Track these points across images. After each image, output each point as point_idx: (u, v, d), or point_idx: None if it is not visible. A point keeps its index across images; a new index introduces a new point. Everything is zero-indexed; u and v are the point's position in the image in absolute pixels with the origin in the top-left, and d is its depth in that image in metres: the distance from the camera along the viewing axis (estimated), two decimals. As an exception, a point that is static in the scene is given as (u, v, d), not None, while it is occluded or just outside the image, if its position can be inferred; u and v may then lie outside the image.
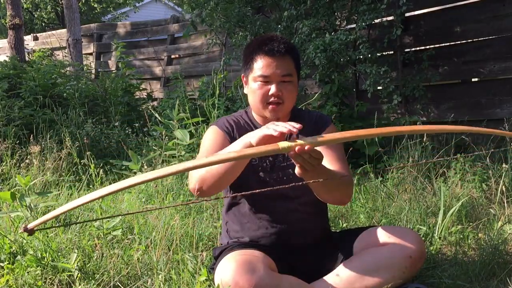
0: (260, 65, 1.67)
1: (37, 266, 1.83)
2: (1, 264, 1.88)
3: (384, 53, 4.20)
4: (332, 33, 3.85)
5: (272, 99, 1.67)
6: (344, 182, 1.62)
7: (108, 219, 2.16)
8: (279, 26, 4.10)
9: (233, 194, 1.66)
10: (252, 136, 1.43)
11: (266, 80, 1.67)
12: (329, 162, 1.68)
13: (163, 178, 2.88)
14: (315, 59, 3.69)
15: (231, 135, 1.74)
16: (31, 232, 1.28)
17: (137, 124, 4.60)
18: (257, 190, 1.33)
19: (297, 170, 1.43)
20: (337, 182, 1.58)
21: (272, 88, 1.66)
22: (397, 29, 3.73)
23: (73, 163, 3.39)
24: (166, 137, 3.40)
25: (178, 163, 1.27)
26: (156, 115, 3.55)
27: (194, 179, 1.59)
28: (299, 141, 1.31)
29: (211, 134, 1.76)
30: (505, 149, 3.02)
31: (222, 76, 4.90)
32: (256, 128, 1.76)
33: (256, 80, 1.68)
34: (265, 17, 4.63)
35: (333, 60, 3.80)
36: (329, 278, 1.64)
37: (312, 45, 3.71)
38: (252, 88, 1.70)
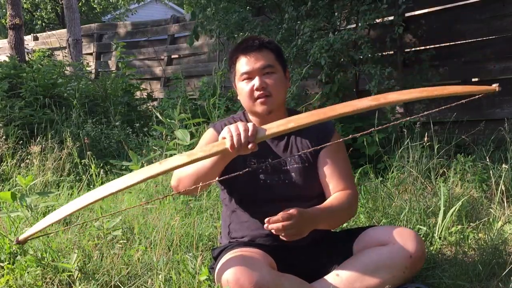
0: (240, 64, 1.72)
1: (37, 266, 1.83)
2: (1, 264, 1.89)
3: (384, 53, 4.20)
4: (336, 33, 3.85)
5: (258, 93, 1.69)
6: (349, 207, 1.69)
7: (108, 219, 2.16)
8: (281, 27, 4.10)
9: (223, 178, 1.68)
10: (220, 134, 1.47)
11: (249, 76, 1.70)
12: (333, 177, 1.71)
13: (163, 179, 2.88)
14: (321, 60, 3.69)
15: None
16: (23, 242, 1.33)
17: (137, 124, 4.60)
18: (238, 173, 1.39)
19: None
20: (343, 212, 1.67)
21: (256, 82, 1.69)
22: (399, 28, 3.73)
23: (74, 163, 3.39)
24: (169, 137, 3.40)
25: (128, 175, 1.35)
26: (158, 114, 3.54)
27: (173, 177, 1.67)
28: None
29: (207, 136, 1.80)
30: (505, 149, 3.02)
31: (220, 74, 4.91)
32: None
33: (240, 80, 1.72)
34: (265, 19, 4.63)
35: (335, 60, 3.81)
36: (329, 278, 1.64)
37: (316, 45, 3.71)
38: (240, 89, 1.74)
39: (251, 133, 1.38)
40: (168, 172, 1.36)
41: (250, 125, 1.40)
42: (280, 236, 1.44)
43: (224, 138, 1.40)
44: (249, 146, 1.38)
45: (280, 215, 1.42)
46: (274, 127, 1.39)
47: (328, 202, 1.68)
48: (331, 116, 1.39)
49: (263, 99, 1.69)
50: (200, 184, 1.55)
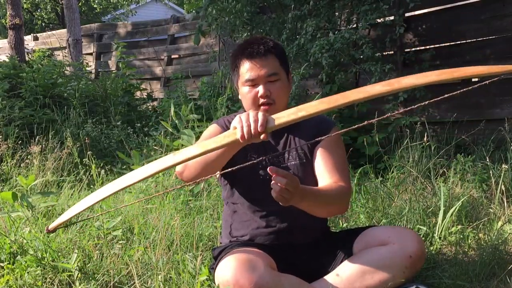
0: (244, 69, 1.71)
1: (37, 266, 1.83)
2: (1, 264, 1.89)
3: (384, 53, 4.20)
4: (336, 33, 3.85)
5: (262, 100, 1.69)
6: (337, 197, 1.63)
7: (108, 220, 2.16)
8: (284, 27, 4.10)
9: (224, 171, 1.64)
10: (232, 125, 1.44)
11: (253, 83, 1.70)
12: (326, 171, 1.70)
13: (163, 179, 2.88)
14: (321, 59, 3.69)
15: None
16: (53, 231, 1.50)
17: (139, 124, 4.60)
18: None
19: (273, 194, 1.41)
20: (330, 199, 1.61)
21: (260, 90, 1.69)
22: (400, 28, 3.73)
23: (74, 163, 3.39)
24: (171, 136, 3.39)
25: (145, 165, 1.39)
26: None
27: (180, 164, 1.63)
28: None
29: (211, 130, 1.80)
30: (505, 149, 3.01)
31: (221, 75, 4.91)
32: None
33: (244, 85, 1.72)
34: (269, 18, 4.64)
35: (336, 60, 3.81)
36: (329, 278, 1.64)
37: (316, 45, 3.71)
38: (243, 93, 1.74)
39: (261, 122, 1.35)
40: (181, 163, 1.41)
41: (260, 114, 1.37)
42: (273, 193, 1.41)
43: (235, 128, 1.38)
44: (261, 137, 1.35)
45: (287, 179, 1.38)
46: (284, 116, 1.35)
47: (318, 186, 1.67)
48: (343, 103, 1.33)
49: (266, 107, 1.69)
50: (205, 173, 1.55)
